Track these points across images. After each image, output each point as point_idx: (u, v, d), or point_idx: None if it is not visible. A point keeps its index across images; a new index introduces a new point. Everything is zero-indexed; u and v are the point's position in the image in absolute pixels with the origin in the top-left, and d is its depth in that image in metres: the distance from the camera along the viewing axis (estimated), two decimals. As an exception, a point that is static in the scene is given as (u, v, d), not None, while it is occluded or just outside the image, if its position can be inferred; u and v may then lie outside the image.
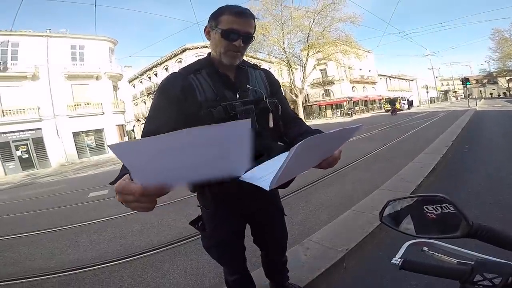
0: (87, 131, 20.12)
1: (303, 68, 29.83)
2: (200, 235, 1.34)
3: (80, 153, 19.86)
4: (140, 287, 2.13)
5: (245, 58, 1.09)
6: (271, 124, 1.00)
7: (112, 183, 0.68)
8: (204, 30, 1.02)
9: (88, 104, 19.75)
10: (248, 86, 1.00)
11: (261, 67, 1.19)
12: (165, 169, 0.52)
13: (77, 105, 19.30)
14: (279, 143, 1.08)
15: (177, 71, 1.04)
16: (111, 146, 0.45)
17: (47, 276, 2.45)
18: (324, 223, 2.77)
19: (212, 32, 0.97)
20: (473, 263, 0.49)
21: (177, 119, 0.90)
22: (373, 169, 5.01)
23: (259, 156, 0.90)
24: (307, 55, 28.99)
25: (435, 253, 0.59)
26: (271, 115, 1.00)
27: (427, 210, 0.50)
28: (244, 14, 0.94)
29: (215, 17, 0.96)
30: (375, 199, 3.15)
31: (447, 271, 0.51)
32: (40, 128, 18.12)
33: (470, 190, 3.32)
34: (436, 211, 0.48)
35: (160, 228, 3.38)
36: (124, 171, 0.64)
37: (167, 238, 2.98)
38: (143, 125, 0.94)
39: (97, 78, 20.29)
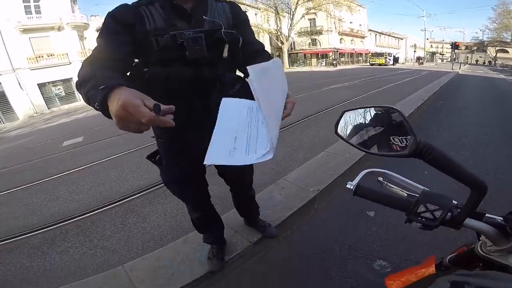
0: (54, 82, 19.39)
1: (291, 16, 28.35)
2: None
3: (49, 103, 19.31)
4: (122, 233, 2.16)
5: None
6: (225, 54, 0.98)
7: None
8: None
9: (51, 55, 18.87)
10: (204, 17, 0.96)
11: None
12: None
13: (39, 57, 18.40)
14: (237, 74, 1.08)
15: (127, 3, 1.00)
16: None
17: (31, 234, 2.34)
18: (300, 163, 2.86)
19: None
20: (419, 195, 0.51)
21: (132, 43, 0.89)
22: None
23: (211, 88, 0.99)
24: (297, 3, 27.33)
25: (388, 184, 0.62)
26: (226, 46, 0.98)
27: (393, 141, 0.49)
28: None
29: None
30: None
31: (396, 201, 0.53)
32: (0, 83, 17.12)
33: (435, 144, 3.50)
34: (401, 143, 0.47)
35: (138, 173, 3.36)
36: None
37: (146, 182, 2.98)
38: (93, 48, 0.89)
39: (59, 29, 19.15)
